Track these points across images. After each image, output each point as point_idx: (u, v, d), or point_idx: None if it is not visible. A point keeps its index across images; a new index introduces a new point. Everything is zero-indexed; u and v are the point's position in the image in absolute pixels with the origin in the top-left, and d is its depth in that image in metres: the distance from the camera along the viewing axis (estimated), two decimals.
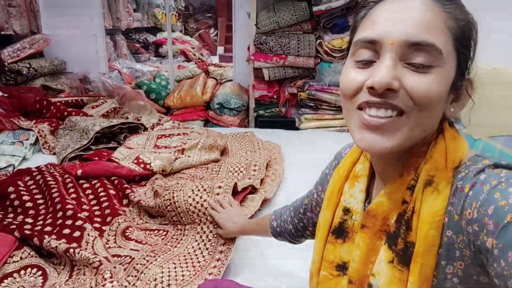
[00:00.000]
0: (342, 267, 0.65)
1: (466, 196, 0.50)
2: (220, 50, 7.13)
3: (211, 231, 1.38)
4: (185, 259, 1.32)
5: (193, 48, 6.33)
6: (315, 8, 2.89)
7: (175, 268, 1.26)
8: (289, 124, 3.13)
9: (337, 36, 2.95)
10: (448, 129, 0.59)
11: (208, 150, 2.14)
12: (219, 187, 1.50)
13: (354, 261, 0.61)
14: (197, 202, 1.45)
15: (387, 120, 0.53)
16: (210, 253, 1.33)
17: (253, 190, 1.72)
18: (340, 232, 0.66)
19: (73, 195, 1.69)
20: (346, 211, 0.66)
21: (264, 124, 3.13)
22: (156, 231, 1.54)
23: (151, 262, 1.27)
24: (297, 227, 0.94)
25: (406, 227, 0.55)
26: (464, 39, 0.54)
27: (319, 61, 3.03)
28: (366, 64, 0.55)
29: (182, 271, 1.25)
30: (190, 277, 1.22)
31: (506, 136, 1.29)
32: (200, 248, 1.36)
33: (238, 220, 1.28)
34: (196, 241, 1.39)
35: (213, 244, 1.35)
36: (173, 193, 1.52)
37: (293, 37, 2.98)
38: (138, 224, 1.57)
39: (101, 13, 3.66)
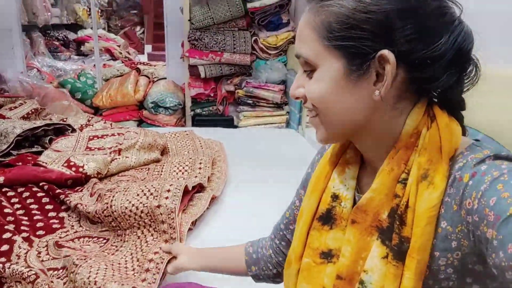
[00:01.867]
0: (327, 255, 0.63)
1: (466, 186, 0.49)
2: (148, 48, 6.87)
3: (152, 235, 1.29)
4: (119, 266, 1.22)
5: (118, 46, 6.02)
6: (249, 5, 2.89)
7: (105, 268, 1.15)
8: (228, 122, 3.10)
9: (271, 33, 2.97)
10: (440, 115, 0.56)
11: (148, 150, 2.03)
12: (168, 190, 1.42)
13: (344, 257, 0.60)
14: (133, 205, 1.36)
15: (312, 118, 0.61)
16: (139, 263, 1.21)
17: (200, 189, 1.66)
18: (328, 219, 0.64)
19: None
20: (335, 197, 0.64)
21: (202, 123, 3.06)
22: (95, 239, 1.42)
23: (80, 266, 1.15)
24: (277, 250, 0.83)
25: (400, 222, 0.54)
26: (331, 28, 0.53)
27: (255, 58, 3.04)
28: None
29: (113, 275, 1.14)
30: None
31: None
32: (136, 256, 1.27)
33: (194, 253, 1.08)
34: (136, 247, 1.30)
35: (143, 254, 1.23)
36: (112, 197, 1.41)
37: (229, 33, 2.95)
38: (77, 231, 1.44)
39: (17, 5, 3.32)
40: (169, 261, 1.14)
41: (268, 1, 2.86)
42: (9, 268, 1.13)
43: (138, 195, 1.41)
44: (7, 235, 1.28)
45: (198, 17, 2.89)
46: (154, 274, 1.12)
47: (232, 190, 1.80)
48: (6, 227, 1.32)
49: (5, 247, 1.25)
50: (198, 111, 3.14)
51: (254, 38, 2.98)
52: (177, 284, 0.93)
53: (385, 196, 0.57)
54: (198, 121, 3.11)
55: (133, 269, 1.19)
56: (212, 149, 2.11)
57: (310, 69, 0.57)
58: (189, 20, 2.92)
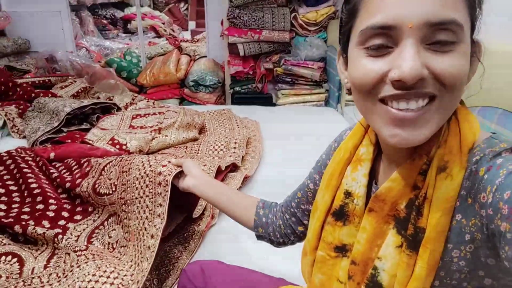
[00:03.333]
0: (341, 249, 0.65)
1: (481, 180, 0.49)
2: (192, 25, 6.94)
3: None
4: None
5: (163, 23, 6.13)
6: None
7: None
8: (266, 100, 3.11)
9: (311, 9, 2.90)
10: (461, 109, 0.56)
11: (186, 129, 2.10)
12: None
13: (359, 243, 0.61)
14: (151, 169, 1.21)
15: (419, 110, 0.49)
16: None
17: (233, 168, 1.71)
18: (341, 215, 0.65)
19: (46, 182, 1.63)
20: (348, 194, 0.64)
21: (241, 100, 3.09)
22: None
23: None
24: (287, 223, 0.84)
25: (417, 213, 0.54)
26: (474, 2, 0.51)
27: (294, 35, 2.99)
28: (382, 50, 0.50)
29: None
30: None
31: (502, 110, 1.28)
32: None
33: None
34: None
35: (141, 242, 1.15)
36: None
37: (268, 10, 2.92)
38: None
39: None
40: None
41: None
42: (66, 240, 1.26)
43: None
44: (65, 214, 1.41)
45: None
46: (165, 176, 1.11)
47: (266, 169, 1.82)
48: (64, 206, 1.45)
49: (61, 222, 1.39)
50: (237, 89, 3.16)
51: (293, 14, 2.93)
52: (202, 261, 0.98)
53: (404, 186, 0.56)
54: (237, 99, 3.14)
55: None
56: (248, 129, 2.14)
57: (451, 41, 0.48)
58: None
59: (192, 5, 7.20)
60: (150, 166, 1.16)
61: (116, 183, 1.28)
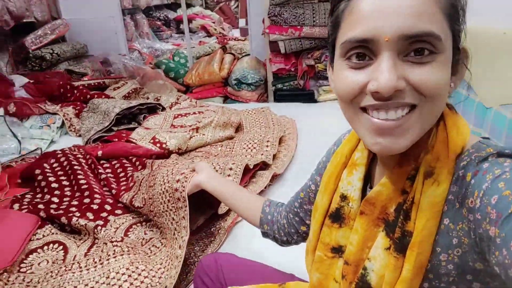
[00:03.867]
0: (337, 250, 0.67)
1: (468, 185, 0.49)
2: (242, 22, 7.03)
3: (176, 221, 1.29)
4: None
5: (213, 22, 6.29)
6: None
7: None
8: (308, 97, 3.10)
9: None
10: (449, 114, 0.56)
11: (222, 128, 2.18)
12: (230, 168, 1.54)
13: (351, 245, 0.63)
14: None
15: (399, 119, 0.50)
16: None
17: (264, 166, 1.75)
18: (337, 217, 0.67)
19: (93, 179, 1.78)
20: (343, 197, 0.66)
21: (283, 97, 3.11)
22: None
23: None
24: (291, 222, 0.87)
25: (405, 217, 0.55)
26: (455, 12, 0.51)
27: None
28: (361, 62, 0.52)
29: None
30: None
31: None
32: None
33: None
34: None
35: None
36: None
37: (308, 6, 2.91)
38: None
39: None
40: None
41: None
42: (104, 231, 1.38)
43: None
44: (107, 207, 1.54)
45: None
46: (181, 192, 1.18)
47: (298, 168, 1.84)
48: (107, 199, 1.58)
49: (103, 214, 1.52)
50: (279, 86, 3.19)
51: None
52: (214, 254, 1.03)
53: (393, 191, 0.58)
54: (279, 96, 3.16)
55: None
56: (283, 126, 2.17)
57: (430, 52, 0.48)
58: None
59: (242, 2, 7.30)
60: (168, 182, 1.24)
61: (145, 197, 1.38)
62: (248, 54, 3.54)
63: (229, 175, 1.50)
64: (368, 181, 0.67)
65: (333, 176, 0.69)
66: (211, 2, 7.96)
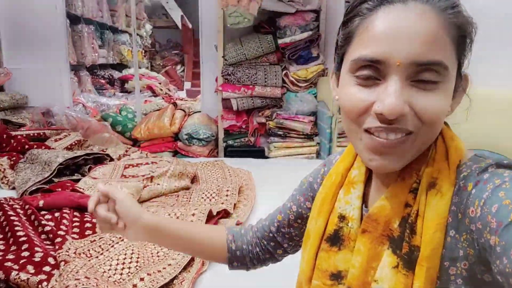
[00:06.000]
0: (337, 276, 0.63)
1: (469, 195, 0.50)
2: (187, 85, 7.18)
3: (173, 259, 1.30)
4: None
5: (159, 83, 6.34)
6: (280, 41, 2.99)
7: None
8: (259, 153, 3.14)
9: (302, 67, 3.04)
10: (446, 130, 0.59)
11: (178, 178, 2.10)
12: (193, 214, 1.47)
13: (354, 267, 0.59)
14: None
15: (397, 142, 0.52)
16: None
17: (225, 215, 1.69)
18: (336, 240, 0.64)
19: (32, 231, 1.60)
20: (342, 218, 0.64)
21: (233, 154, 3.13)
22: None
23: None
24: (265, 248, 0.81)
25: (411, 231, 0.54)
26: (464, 43, 0.54)
27: (285, 91, 3.11)
28: (370, 81, 0.53)
29: None
30: None
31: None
32: None
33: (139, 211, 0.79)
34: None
35: None
36: None
37: (260, 68, 3.06)
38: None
39: (66, 47, 3.63)
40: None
41: (298, 37, 2.96)
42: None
43: None
44: (51, 260, 1.37)
45: (231, 54, 3.03)
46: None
47: (259, 217, 1.80)
48: (51, 252, 1.41)
49: (46, 268, 1.34)
50: (230, 142, 3.21)
51: (284, 71, 3.07)
52: None
53: (397, 205, 0.57)
54: (230, 152, 3.18)
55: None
56: (240, 178, 2.15)
57: (435, 81, 0.50)
58: (222, 57, 3.06)
59: (188, 67, 7.50)
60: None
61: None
62: (199, 111, 3.57)
63: (191, 221, 1.42)
64: (362, 201, 0.66)
65: (328, 197, 0.67)
66: (157, 66, 8.08)
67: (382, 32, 0.51)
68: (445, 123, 0.60)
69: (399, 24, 0.50)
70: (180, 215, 1.46)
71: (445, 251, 0.52)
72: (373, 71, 0.52)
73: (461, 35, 0.52)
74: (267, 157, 3.11)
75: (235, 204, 1.80)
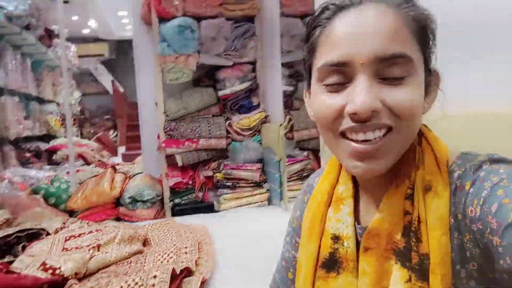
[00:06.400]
0: None
1: (467, 194, 0.49)
2: (122, 149, 6.94)
3: None
4: None
5: (92, 150, 6.05)
6: (220, 93, 3.02)
7: None
8: (208, 208, 3.03)
9: (244, 116, 3.07)
10: (427, 131, 0.59)
11: (129, 242, 1.92)
12: (154, 276, 1.33)
13: None
14: None
15: (377, 142, 0.51)
16: None
17: (188, 273, 1.55)
18: (332, 264, 0.59)
19: None
20: (336, 238, 0.60)
21: (182, 212, 2.99)
22: None
23: None
24: None
25: (416, 239, 0.52)
26: (425, 36, 0.55)
27: (230, 141, 3.09)
28: (338, 86, 0.53)
29: None
30: None
31: None
32: None
33: None
34: None
35: None
36: None
37: (203, 120, 3.03)
38: None
39: None
40: None
41: (238, 88, 3.02)
42: None
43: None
44: None
45: (172, 109, 2.98)
46: None
47: (222, 273, 1.69)
48: None
49: None
50: (177, 200, 3.08)
51: (228, 122, 3.07)
52: None
53: (396, 215, 0.54)
54: (177, 211, 3.03)
55: None
56: (196, 233, 2.03)
57: (402, 75, 0.51)
58: (164, 113, 3.01)
59: (121, 131, 7.29)
60: None
61: None
62: (140, 173, 3.40)
63: (153, 285, 1.28)
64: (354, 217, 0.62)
65: (316, 219, 0.62)
66: (87, 133, 7.75)
67: (343, 36, 0.52)
68: (424, 125, 0.60)
69: (358, 25, 0.51)
70: (139, 280, 1.31)
71: (454, 254, 0.50)
72: (341, 76, 0.52)
73: (420, 27, 0.54)
74: (217, 211, 3.01)
75: (196, 261, 1.67)
